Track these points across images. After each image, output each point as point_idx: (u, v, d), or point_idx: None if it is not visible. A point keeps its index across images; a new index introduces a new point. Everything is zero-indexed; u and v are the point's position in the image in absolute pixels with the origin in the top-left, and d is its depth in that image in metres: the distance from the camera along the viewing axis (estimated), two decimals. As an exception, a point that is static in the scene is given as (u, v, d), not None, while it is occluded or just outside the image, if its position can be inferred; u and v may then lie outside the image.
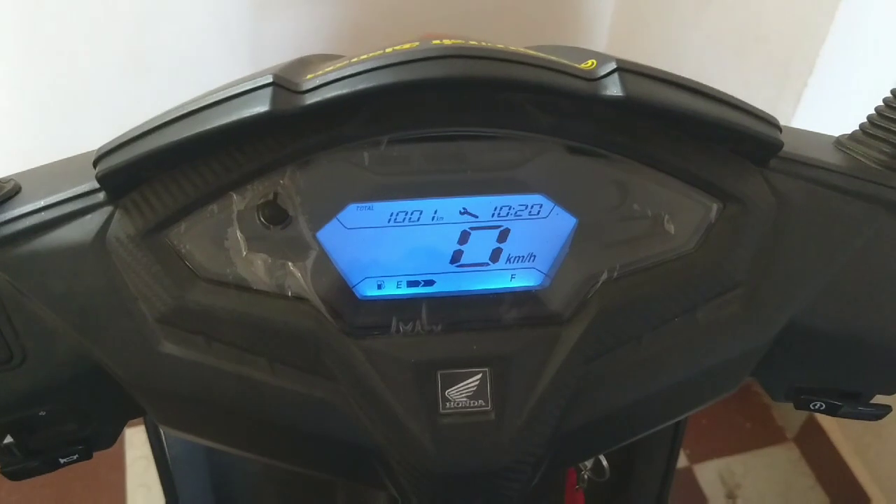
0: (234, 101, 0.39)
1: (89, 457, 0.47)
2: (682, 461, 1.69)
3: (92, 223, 0.41)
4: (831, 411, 0.50)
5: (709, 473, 1.69)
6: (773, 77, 1.24)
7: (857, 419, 0.50)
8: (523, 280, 0.44)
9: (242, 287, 0.42)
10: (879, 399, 0.51)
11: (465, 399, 0.42)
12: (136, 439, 1.64)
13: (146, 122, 0.40)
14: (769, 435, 1.76)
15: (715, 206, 0.43)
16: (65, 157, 0.49)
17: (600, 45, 1.57)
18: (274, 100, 0.38)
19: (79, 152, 0.48)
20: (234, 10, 1.28)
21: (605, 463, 0.73)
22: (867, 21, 1.08)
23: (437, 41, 0.41)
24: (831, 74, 1.14)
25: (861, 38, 1.09)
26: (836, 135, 0.51)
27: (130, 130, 0.41)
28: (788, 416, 1.75)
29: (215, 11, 1.27)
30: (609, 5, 1.54)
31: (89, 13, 1.19)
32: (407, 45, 0.41)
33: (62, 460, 0.46)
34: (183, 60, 1.29)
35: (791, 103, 1.20)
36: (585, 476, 0.72)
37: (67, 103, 1.26)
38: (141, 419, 0.51)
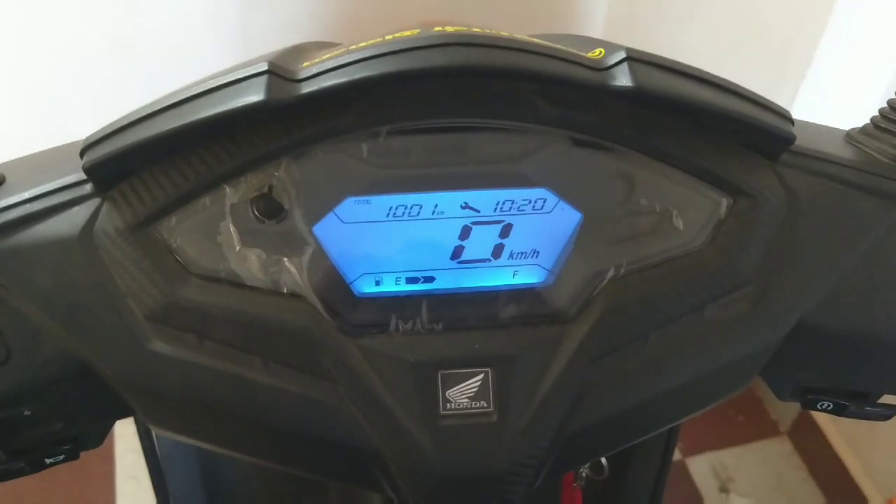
0: (228, 90, 0.38)
1: (76, 457, 0.46)
2: (675, 454, 1.69)
3: (79, 216, 0.40)
4: (838, 411, 0.49)
5: (701, 466, 1.69)
6: (771, 70, 1.23)
7: (865, 419, 0.50)
8: (526, 277, 0.43)
9: (236, 283, 0.40)
10: (886, 399, 0.50)
11: (466, 400, 0.40)
12: (125, 431, 1.63)
13: (135, 111, 0.39)
14: (762, 428, 1.76)
15: (724, 202, 0.42)
16: (51, 145, 0.47)
17: (595, 35, 1.56)
18: (269, 88, 0.36)
19: (65, 140, 0.47)
20: (223, -5, 1.27)
21: (604, 461, 0.72)
22: (866, 13, 1.07)
23: (439, 28, 0.40)
24: (830, 67, 1.13)
25: (860, 30, 1.09)
26: (840, 128, 0.50)
27: (118, 119, 0.39)
28: (781, 409, 1.75)
29: (204, -3, 1.26)
30: (605, -5, 1.53)
31: (76, -2, 1.18)
32: (407, 33, 0.39)
33: (48, 461, 0.45)
34: (173, 46, 1.27)
35: (788, 96, 1.19)
36: (584, 474, 0.72)
37: (53, 90, 1.25)
38: (130, 412, 0.50)
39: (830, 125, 0.51)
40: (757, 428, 1.76)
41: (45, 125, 1.25)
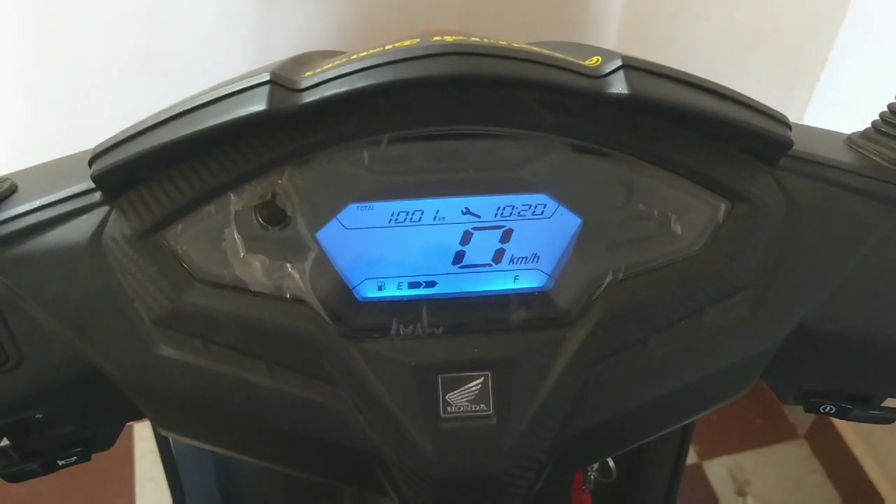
0: (231, 100, 0.38)
1: (88, 459, 0.47)
2: (691, 457, 1.68)
3: (88, 224, 0.41)
4: (842, 415, 0.49)
5: (719, 469, 1.69)
6: (785, 72, 1.23)
7: (868, 423, 0.49)
8: (527, 281, 0.43)
9: (240, 289, 0.41)
10: (890, 402, 0.50)
11: (466, 403, 0.41)
12: (144, 433, 1.64)
13: (142, 121, 0.40)
14: (780, 431, 1.75)
15: (723, 207, 0.42)
16: (70, 152, 0.48)
17: (609, 39, 1.56)
18: (271, 98, 0.37)
19: (85, 147, 0.47)
20: (241, 3, 1.28)
21: (611, 464, 0.72)
22: (880, 14, 1.07)
23: (438, 38, 0.41)
24: (844, 69, 1.13)
25: (874, 31, 1.08)
26: (850, 131, 0.50)
27: (125, 129, 0.40)
28: (799, 412, 1.73)
29: (223, 5, 1.27)
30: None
31: (96, 6, 1.19)
32: (407, 42, 0.40)
33: (60, 462, 0.46)
34: (190, 55, 1.28)
35: (803, 99, 1.18)
36: (592, 477, 0.72)
37: (73, 98, 1.26)
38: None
39: (843, 127, 0.51)
40: (774, 431, 1.75)
41: (65, 131, 1.26)
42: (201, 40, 1.30)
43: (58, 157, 0.48)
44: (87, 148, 0.47)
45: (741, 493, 1.65)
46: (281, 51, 1.33)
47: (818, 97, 1.17)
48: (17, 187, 0.43)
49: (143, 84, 1.28)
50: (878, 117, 0.47)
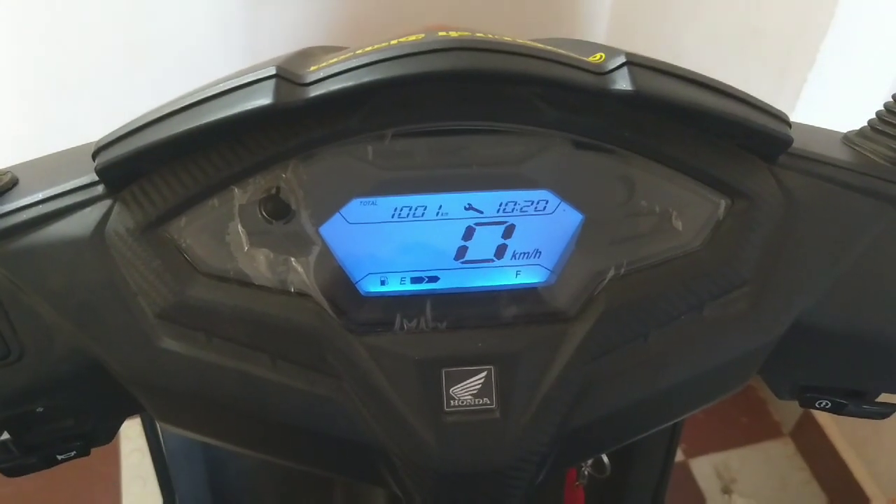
0: (237, 94, 0.38)
1: (87, 453, 0.47)
2: (677, 455, 1.69)
3: (91, 216, 0.41)
4: (836, 410, 0.50)
5: (705, 468, 1.69)
6: (773, 71, 1.23)
7: (863, 418, 0.50)
8: (529, 277, 0.43)
9: (244, 282, 0.41)
10: (885, 398, 0.51)
11: (469, 397, 0.41)
12: (131, 431, 1.63)
13: (146, 114, 0.40)
14: (765, 429, 1.76)
15: (723, 203, 0.43)
16: (60, 147, 0.48)
17: (598, 37, 1.57)
18: (277, 92, 0.37)
19: (74, 143, 0.47)
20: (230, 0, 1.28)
21: (605, 459, 0.72)
22: (868, 14, 1.08)
23: (444, 33, 0.41)
24: (832, 69, 1.14)
25: (862, 31, 1.09)
26: (840, 130, 0.51)
27: (130, 122, 0.40)
28: (784, 410, 1.75)
29: (212, 1, 1.27)
30: (608, -2, 1.54)
31: (86, 2, 1.18)
32: (412, 37, 0.40)
33: (60, 457, 0.46)
34: (180, 50, 1.28)
35: (791, 98, 1.19)
36: (586, 472, 0.72)
37: (63, 93, 1.26)
38: (137, 412, 0.50)
39: (832, 126, 0.52)
40: (760, 429, 1.76)
41: (55, 127, 1.26)
42: (190, 35, 1.30)
43: (49, 149, 0.48)
44: (75, 142, 0.47)
45: (727, 490, 1.66)
46: (269, 46, 1.33)
47: (806, 97, 1.18)
48: (17, 180, 0.43)
49: (133, 78, 1.27)
50: (874, 116, 0.48)
